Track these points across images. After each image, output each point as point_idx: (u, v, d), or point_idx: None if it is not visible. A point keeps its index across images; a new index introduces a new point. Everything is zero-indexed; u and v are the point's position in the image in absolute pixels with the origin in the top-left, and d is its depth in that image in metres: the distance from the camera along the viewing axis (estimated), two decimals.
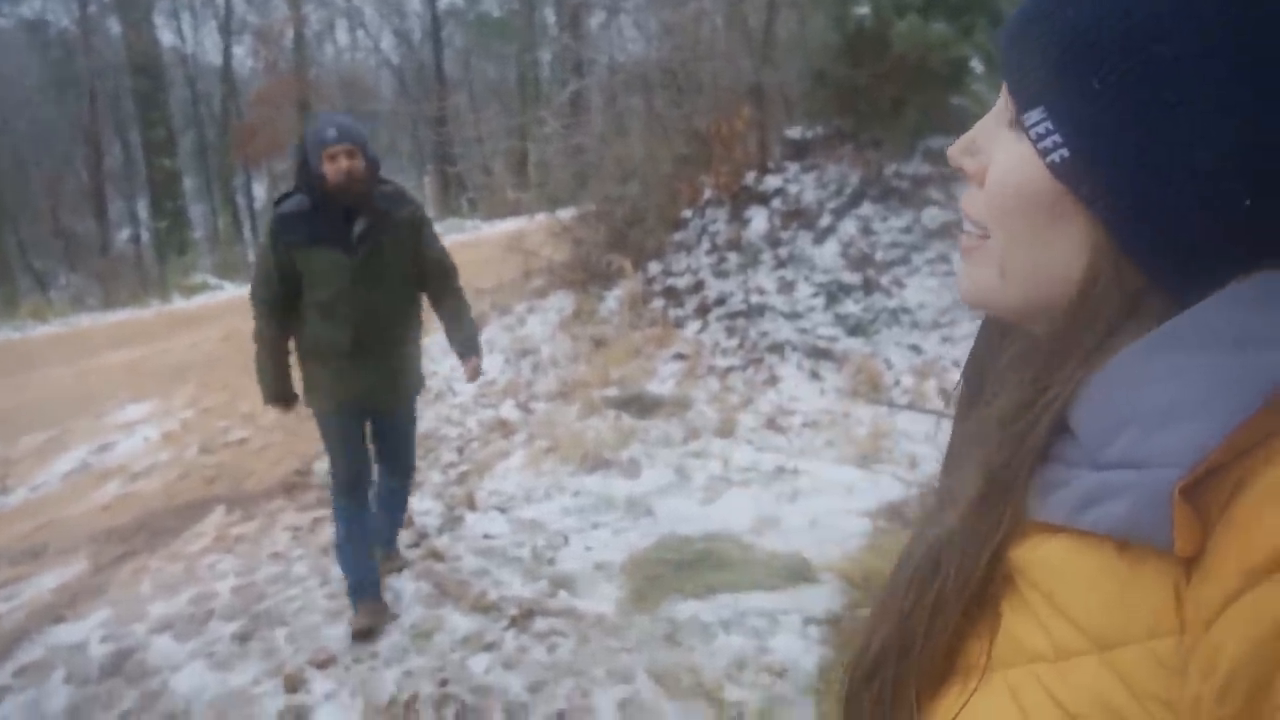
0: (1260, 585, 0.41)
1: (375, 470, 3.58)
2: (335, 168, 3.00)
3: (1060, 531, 0.52)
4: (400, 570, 3.80)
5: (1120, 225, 0.50)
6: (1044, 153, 0.52)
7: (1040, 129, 0.52)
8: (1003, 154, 0.56)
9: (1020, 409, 0.55)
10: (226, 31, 25.74)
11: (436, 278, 3.42)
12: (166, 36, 25.80)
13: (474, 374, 3.50)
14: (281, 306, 3.20)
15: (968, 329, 6.66)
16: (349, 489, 3.38)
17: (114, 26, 23.46)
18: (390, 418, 3.52)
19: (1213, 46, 0.46)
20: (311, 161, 3.04)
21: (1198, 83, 0.47)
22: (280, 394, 3.32)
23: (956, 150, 0.59)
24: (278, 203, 3.17)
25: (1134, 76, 0.48)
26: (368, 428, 3.47)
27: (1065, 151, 0.51)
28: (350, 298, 3.14)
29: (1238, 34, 0.46)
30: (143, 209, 25.48)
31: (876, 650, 0.62)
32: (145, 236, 25.37)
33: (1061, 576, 0.51)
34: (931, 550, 0.59)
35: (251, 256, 23.00)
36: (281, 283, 3.14)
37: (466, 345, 3.48)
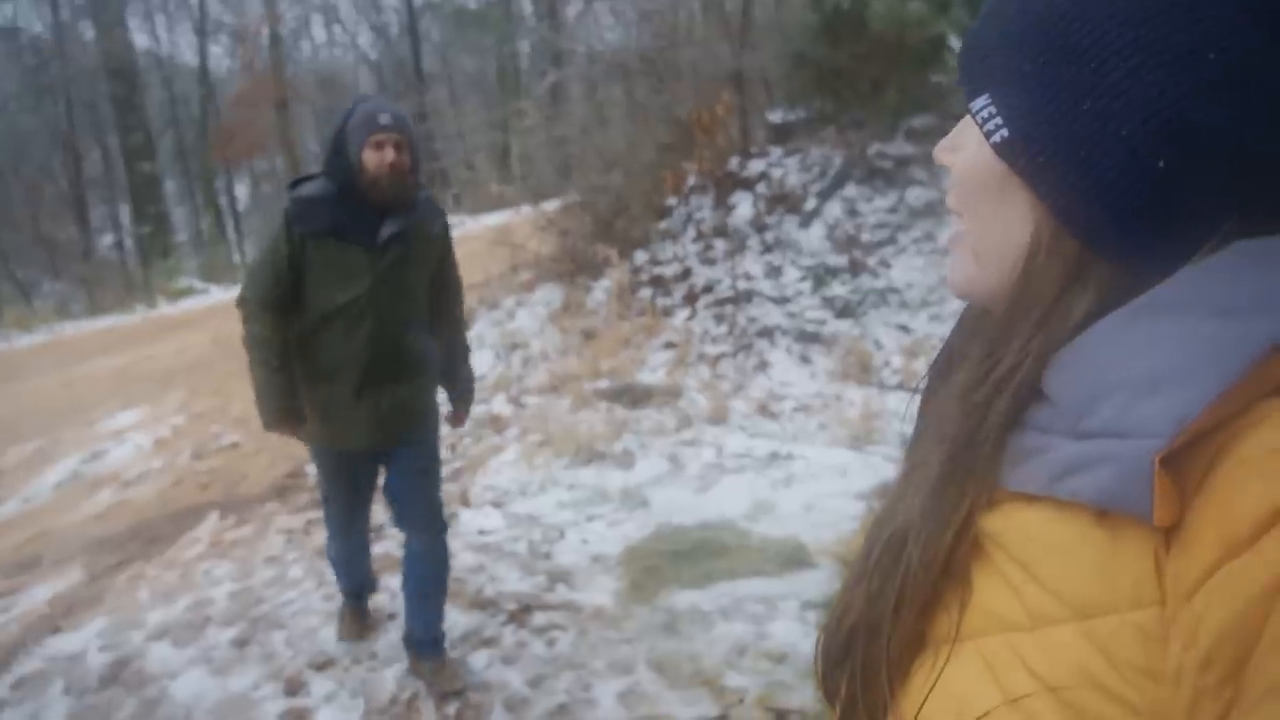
0: (1241, 555, 0.42)
1: (403, 534, 3.09)
2: (379, 157, 2.58)
3: (1037, 500, 0.52)
4: (458, 692, 2.95)
5: (1052, 194, 0.53)
6: (988, 135, 0.55)
7: (984, 114, 0.55)
8: (967, 145, 0.59)
9: (977, 380, 0.57)
10: (202, 32, 25.51)
11: (447, 303, 3.02)
12: (141, 39, 25.62)
13: (462, 422, 3.12)
14: (286, 309, 2.71)
15: (956, 307, 6.65)
16: (345, 526, 3.08)
17: (87, 31, 23.24)
18: (405, 453, 2.93)
19: (1122, 20, 0.49)
20: (351, 146, 2.61)
21: (1111, 57, 0.49)
22: (290, 411, 2.75)
23: (940, 149, 0.62)
24: (294, 185, 2.73)
25: (1057, 55, 0.51)
26: (379, 477, 3.07)
27: (1005, 132, 0.54)
28: (370, 304, 2.68)
29: (1143, 7, 0.49)
30: (124, 214, 25.26)
31: (847, 631, 0.63)
32: (128, 242, 25.18)
33: (1039, 545, 0.51)
34: (897, 530, 0.60)
35: (237, 258, 22.95)
36: (290, 280, 2.67)
37: (463, 389, 3.08)
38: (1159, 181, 0.49)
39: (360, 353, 2.71)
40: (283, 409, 2.74)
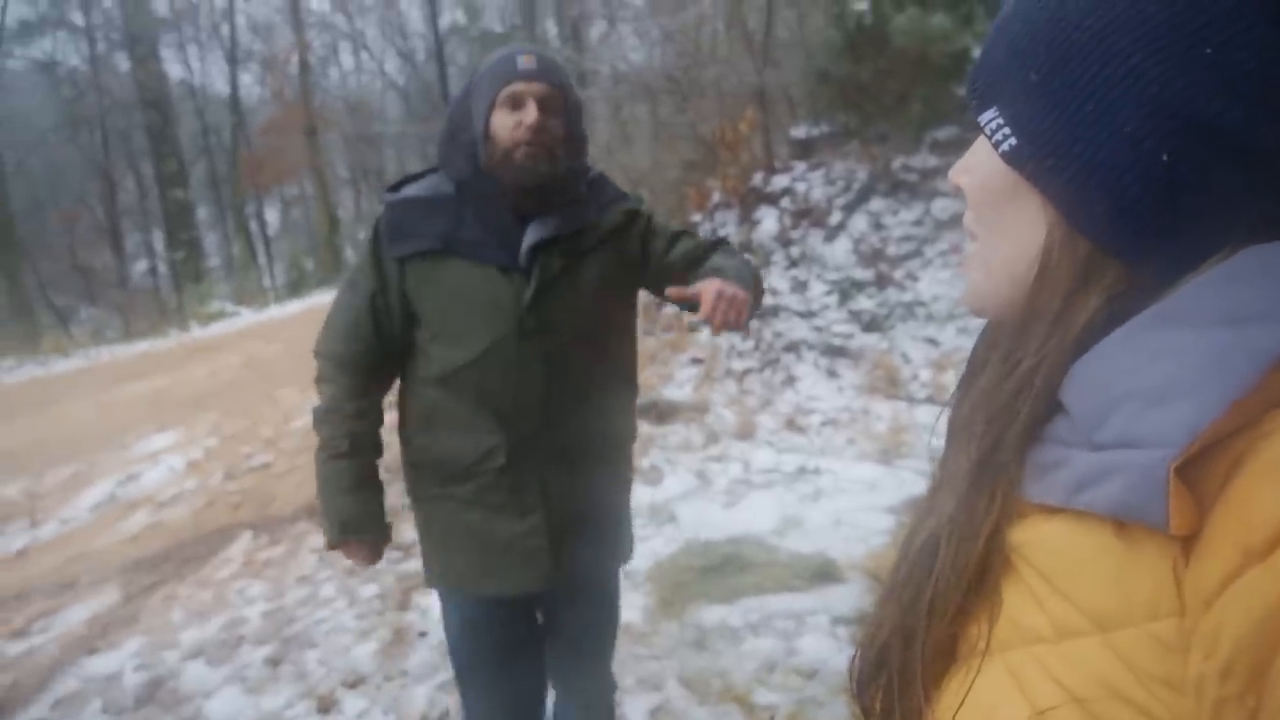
0: (1260, 564, 0.42)
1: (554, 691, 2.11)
2: (515, 120, 1.62)
3: (1059, 513, 0.52)
4: None
5: (1061, 194, 0.53)
6: (996, 145, 0.56)
7: (992, 125, 0.56)
8: (979, 163, 0.60)
9: (999, 382, 0.57)
10: (233, 61, 25.98)
11: (703, 258, 1.82)
12: (174, 69, 26.12)
13: (723, 317, 1.56)
14: (375, 371, 1.79)
15: (982, 320, 6.63)
16: None
17: (123, 63, 23.78)
18: (583, 593, 1.95)
19: (1124, 21, 0.49)
20: (476, 114, 1.67)
21: (1114, 57, 0.50)
22: (362, 522, 1.80)
23: (954, 172, 0.63)
24: (395, 187, 1.79)
25: (1061, 60, 0.52)
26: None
27: (1014, 140, 0.55)
28: (518, 355, 1.69)
29: (1145, 7, 0.49)
30: (158, 241, 25.77)
31: (883, 640, 0.63)
32: (161, 268, 25.66)
33: (1060, 557, 0.52)
34: (930, 538, 0.60)
35: (267, 281, 23.26)
36: (379, 329, 1.73)
37: (729, 274, 1.69)
38: (1164, 176, 0.49)
39: (512, 433, 1.72)
40: (352, 517, 1.78)
